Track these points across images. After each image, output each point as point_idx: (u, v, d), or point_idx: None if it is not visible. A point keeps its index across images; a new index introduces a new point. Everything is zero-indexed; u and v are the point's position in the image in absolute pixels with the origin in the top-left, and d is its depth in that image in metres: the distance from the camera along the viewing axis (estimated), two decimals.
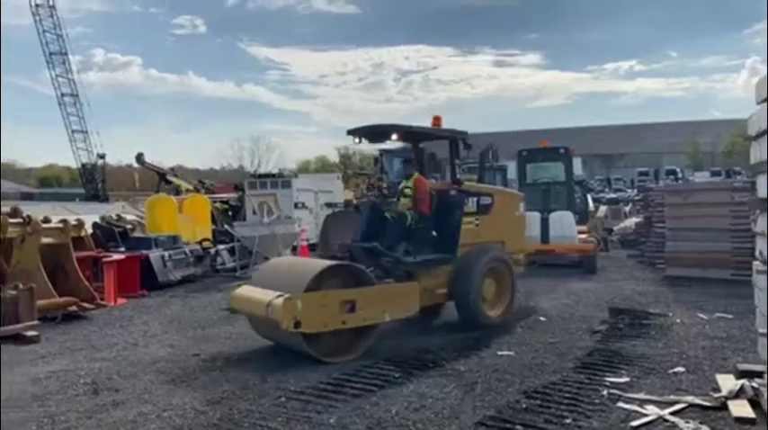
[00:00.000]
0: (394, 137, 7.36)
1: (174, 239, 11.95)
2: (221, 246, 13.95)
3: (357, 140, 7.28)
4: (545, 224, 11.85)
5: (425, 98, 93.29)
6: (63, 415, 4.49)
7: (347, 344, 5.91)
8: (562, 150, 12.80)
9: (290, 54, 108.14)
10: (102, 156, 39.44)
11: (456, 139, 7.37)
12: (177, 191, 19.21)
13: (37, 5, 35.67)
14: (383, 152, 18.96)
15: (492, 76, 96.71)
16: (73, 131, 38.03)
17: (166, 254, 11.05)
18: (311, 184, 18.27)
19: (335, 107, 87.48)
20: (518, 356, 5.90)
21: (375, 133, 7.35)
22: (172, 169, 23.95)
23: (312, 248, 15.23)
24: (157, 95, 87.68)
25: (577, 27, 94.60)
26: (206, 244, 13.47)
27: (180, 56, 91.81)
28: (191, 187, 20.31)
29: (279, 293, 5.49)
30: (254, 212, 14.86)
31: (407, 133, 7.40)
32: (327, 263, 6.04)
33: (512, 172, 17.80)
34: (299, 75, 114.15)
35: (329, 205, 18.27)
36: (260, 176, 18.33)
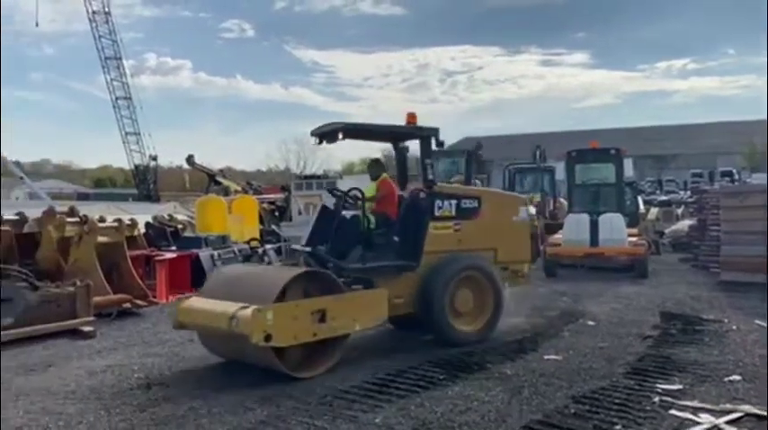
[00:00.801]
0: (340, 136, 6.39)
1: (224, 239, 12.19)
2: (268, 246, 14.16)
3: (317, 141, 6.55)
4: (594, 227, 11.61)
5: (470, 99, 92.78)
6: (118, 408, 4.65)
7: (318, 356, 5.45)
8: (613, 151, 12.51)
9: (335, 56, 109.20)
10: (154, 158, 40.58)
11: (427, 137, 6.63)
12: (226, 192, 19.63)
13: (94, 12, 37.00)
14: None
15: (539, 76, 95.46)
16: (126, 134, 39.25)
17: (216, 253, 11.27)
18: (355, 185, 18.37)
19: (379, 109, 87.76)
20: (565, 361, 5.80)
21: (336, 132, 6.41)
22: (221, 170, 24.50)
23: None
24: (206, 98, 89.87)
25: (627, 24, 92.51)
26: (254, 243, 13.69)
27: (228, 59, 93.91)
28: (239, 188, 20.74)
29: (243, 304, 4.99)
30: (300, 213, 15.10)
31: (369, 132, 6.98)
32: (297, 270, 5.57)
33: (560, 173, 17.51)
34: (343, 77, 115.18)
35: None
36: (306, 178, 18.59)
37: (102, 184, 57.87)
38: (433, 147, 6.71)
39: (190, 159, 21.79)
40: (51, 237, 8.83)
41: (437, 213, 6.42)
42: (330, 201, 7.01)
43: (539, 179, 18.12)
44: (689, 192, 23.57)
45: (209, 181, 21.61)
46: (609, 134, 41.59)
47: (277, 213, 18.09)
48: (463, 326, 6.36)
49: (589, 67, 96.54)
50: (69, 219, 8.94)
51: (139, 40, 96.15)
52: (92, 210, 12.79)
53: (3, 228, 9.11)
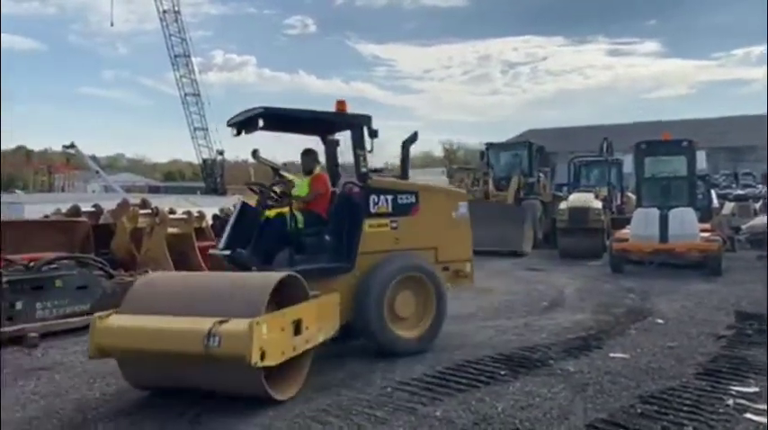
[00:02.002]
0: (260, 124, 5.64)
1: None
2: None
3: (235, 132, 5.96)
4: (664, 221, 11.18)
5: (533, 90, 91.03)
6: None
7: (288, 373, 4.64)
8: (685, 143, 11.99)
9: (396, 50, 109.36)
10: (221, 152, 41.82)
11: (358, 126, 5.93)
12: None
13: (164, 11, 38.40)
14: (489, 146, 18.69)
15: (606, 66, 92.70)
16: (195, 129, 40.61)
17: None
18: (416, 180, 18.36)
19: (439, 101, 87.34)
20: (633, 359, 5.62)
21: (255, 120, 5.71)
22: (284, 164, 24.99)
23: None
24: (270, 93, 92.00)
25: (702, 10, 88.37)
26: None
27: (291, 55, 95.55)
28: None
29: (220, 318, 4.06)
30: None
31: (295, 120, 6.04)
32: (275, 274, 4.67)
33: (627, 166, 16.95)
34: (404, 70, 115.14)
35: None
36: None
37: (172, 178, 60.09)
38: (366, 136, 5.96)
39: (255, 153, 22.11)
40: (125, 228, 9.25)
41: (372, 210, 5.83)
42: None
43: (605, 172, 17.59)
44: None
45: (274, 174, 22.06)
46: (680, 125, 39.90)
47: None
48: (404, 331, 5.80)
49: (661, 56, 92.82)
50: (142, 211, 9.34)
51: (207, 38, 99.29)
52: (162, 202, 13.33)
53: (80, 219, 9.61)
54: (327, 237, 5.63)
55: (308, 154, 6.38)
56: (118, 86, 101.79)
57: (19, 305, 6.43)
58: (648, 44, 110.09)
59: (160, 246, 8.90)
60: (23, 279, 6.62)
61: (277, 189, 6.08)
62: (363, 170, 5.85)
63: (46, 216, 12.86)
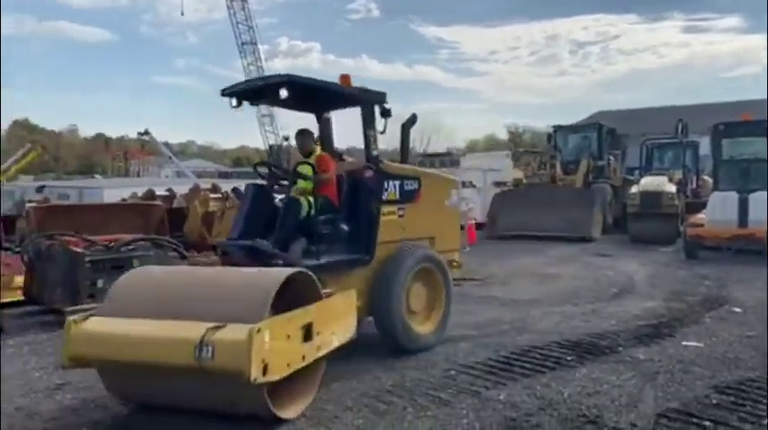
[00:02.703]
0: (283, 94, 5.01)
1: None
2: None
3: (235, 104, 5.35)
4: (743, 205, 10.63)
5: (604, 70, 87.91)
6: None
7: (297, 386, 3.99)
8: (767, 123, 11.32)
9: (460, 32, 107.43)
10: (286, 138, 42.51)
11: (369, 103, 5.44)
12: None
13: (232, 0, 39.19)
14: (557, 128, 18.23)
15: (682, 44, 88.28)
16: (262, 116, 41.44)
17: None
18: (479, 163, 18.17)
19: (505, 83, 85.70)
20: (707, 348, 5.40)
21: (255, 91, 5.44)
22: (347, 150, 25.23)
23: (479, 227, 15.24)
24: (334, 79, 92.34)
25: None
26: None
27: (355, 40, 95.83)
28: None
29: (215, 324, 3.37)
30: None
31: (296, 92, 5.15)
32: (282, 271, 3.93)
33: (704, 148, 16.17)
34: (468, 52, 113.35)
35: (498, 184, 18.07)
36: (429, 155, 18.60)
37: (240, 163, 61.66)
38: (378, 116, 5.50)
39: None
40: (197, 212, 9.63)
41: (383, 196, 5.42)
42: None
43: (680, 154, 16.86)
44: None
45: (337, 160, 22.33)
46: (762, 105, 37.63)
47: None
48: (418, 326, 5.45)
49: (741, 32, 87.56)
50: (212, 196, 9.69)
51: (273, 25, 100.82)
52: (231, 187, 13.73)
53: (155, 203, 10.05)
54: (343, 226, 5.21)
55: (305, 134, 5.81)
56: (188, 75, 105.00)
57: (100, 283, 6.78)
58: (728, 19, 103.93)
59: (230, 228, 9.18)
60: (104, 259, 6.97)
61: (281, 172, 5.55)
62: (375, 152, 5.40)
63: (123, 200, 13.55)
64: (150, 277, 4.21)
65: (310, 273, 4.14)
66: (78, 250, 6.95)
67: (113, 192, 21.46)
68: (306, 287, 4.07)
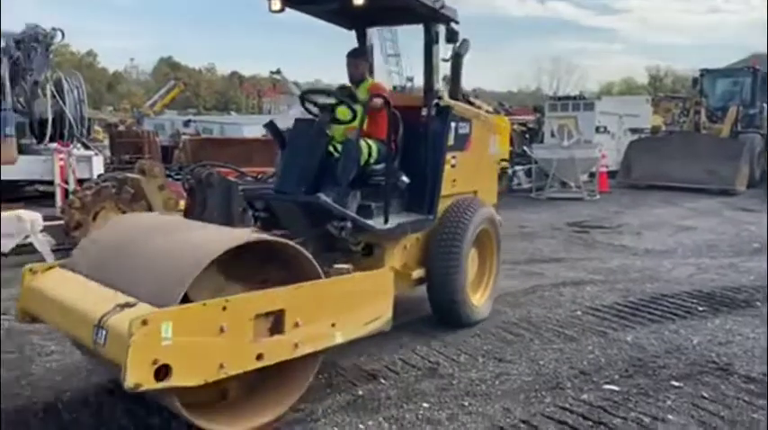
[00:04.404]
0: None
1: None
2: (518, 167, 14.40)
3: (278, 7, 4.09)
4: None
5: (762, 7, 78.33)
6: None
7: (262, 391, 3.12)
8: None
9: None
10: (410, 79, 42.57)
11: (435, 20, 4.43)
12: None
13: None
14: (705, 72, 16.87)
15: None
16: (388, 55, 41.63)
17: None
18: (615, 108, 17.31)
19: (648, 22, 79.16)
20: None
21: None
22: (473, 90, 24.89)
23: (611, 175, 14.72)
24: (464, 16, 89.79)
25: None
26: (504, 164, 13.98)
27: None
28: (490, 109, 20.93)
29: (125, 301, 2.69)
30: (553, 135, 14.82)
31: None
32: (241, 233, 3.06)
33: None
34: None
35: (634, 131, 17.22)
36: (560, 99, 17.97)
37: None
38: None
39: (444, 79, 22.49)
40: None
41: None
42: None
43: None
44: None
45: (463, 101, 22.17)
46: None
47: (527, 135, 18.01)
48: (474, 297, 4.69)
49: None
50: None
51: None
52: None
53: None
54: (404, 178, 4.29)
55: (358, 56, 4.61)
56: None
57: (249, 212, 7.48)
58: None
59: None
60: (254, 188, 7.66)
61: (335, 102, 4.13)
62: (436, 86, 4.55)
63: (264, 135, 14.49)
64: (125, 227, 3.45)
65: (294, 244, 3.13)
66: (232, 179, 7.69)
67: (252, 128, 22.90)
68: (292, 262, 3.12)
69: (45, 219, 6.88)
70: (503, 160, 14.39)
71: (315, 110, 4.21)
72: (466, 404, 3.31)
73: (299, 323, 2.95)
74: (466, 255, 4.45)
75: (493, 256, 4.95)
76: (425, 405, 3.29)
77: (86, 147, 11.81)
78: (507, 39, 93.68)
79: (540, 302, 5.23)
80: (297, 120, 4.36)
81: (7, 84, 11.00)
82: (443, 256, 4.36)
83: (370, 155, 4.14)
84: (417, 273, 4.37)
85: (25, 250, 6.46)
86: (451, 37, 4.57)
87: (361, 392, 3.42)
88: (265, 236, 3.16)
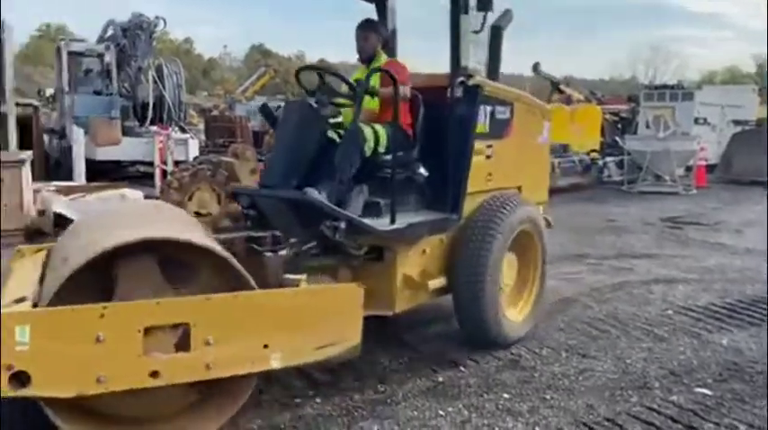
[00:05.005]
0: None
1: (564, 148, 12.37)
2: (609, 158, 13.89)
3: None
4: None
5: None
6: None
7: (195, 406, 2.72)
8: None
9: None
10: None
11: None
12: (568, 101, 19.42)
13: None
14: None
15: None
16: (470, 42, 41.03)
17: (556, 161, 11.57)
18: (717, 98, 16.30)
19: (758, 6, 73.54)
20: None
21: None
22: (564, 78, 24.16)
23: (710, 170, 13.92)
24: (556, 3, 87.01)
25: None
26: (594, 155, 13.56)
27: None
28: (581, 97, 20.27)
29: (23, 295, 2.53)
30: (648, 126, 14.20)
31: None
32: (143, 231, 2.53)
33: None
34: None
35: (737, 122, 16.16)
36: (657, 88, 17.11)
37: None
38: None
39: (536, 67, 21.92)
40: None
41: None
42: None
43: None
44: None
45: (552, 89, 21.55)
46: None
47: (620, 125, 17.32)
48: (508, 311, 3.99)
49: None
50: None
51: None
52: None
53: None
54: (421, 170, 3.75)
55: (369, 27, 3.93)
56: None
57: None
58: None
59: None
60: None
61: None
62: (466, 62, 3.84)
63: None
64: (100, 212, 3.28)
65: (212, 246, 2.62)
66: None
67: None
68: (221, 270, 2.66)
69: (145, 197, 7.33)
70: (592, 151, 14.13)
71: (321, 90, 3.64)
72: (547, 397, 3.27)
73: (210, 341, 2.49)
74: (497, 262, 3.73)
75: (537, 263, 4.20)
76: (506, 395, 3.28)
77: (183, 131, 12.44)
78: (602, 25, 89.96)
79: (628, 299, 5.06)
80: (288, 102, 3.88)
81: (114, 70, 11.75)
82: (469, 263, 3.67)
83: (377, 143, 3.54)
84: (437, 282, 3.69)
85: None
86: (485, 4, 3.90)
87: (441, 379, 3.44)
88: (162, 235, 2.55)
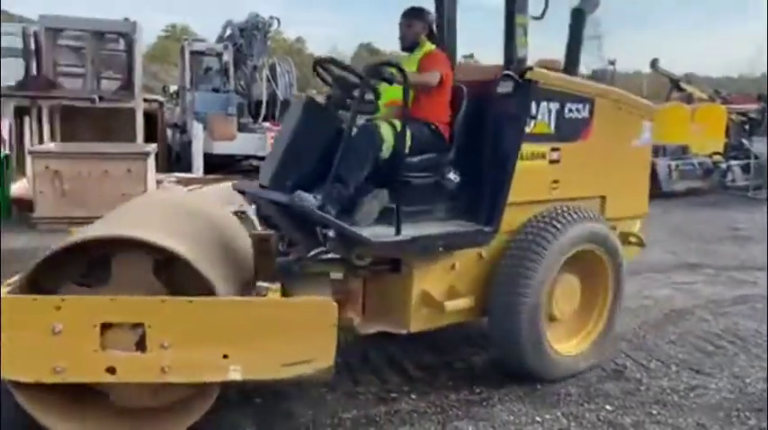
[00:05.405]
0: None
1: (683, 149, 11.64)
2: (733, 162, 12.90)
3: None
4: None
5: None
6: None
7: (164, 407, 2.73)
8: None
9: None
10: (612, 62, 39.99)
11: None
12: (689, 99, 18.26)
13: None
14: None
15: None
16: (590, 37, 39.55)
17: (673, 163, 10.92)
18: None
19: None
20: None
21: None
22: (685, 76, 22.71)
23: None
24: None
25: None
26: (716, 158, 12.65)
27: None
28: (704, 96, 18.97)
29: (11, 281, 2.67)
30: None
31: None
32: (118, 230, 2.62)
33: None
34: None
35: None
36: None
37: None
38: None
39: (654, 63, 20.76)
40: None
41: (527, 128, 3.35)
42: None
43: None
44: None
45: (671, 87, 20.33)
46: None
47: (748, 126, 16.05)
48: (561, 343, 3.47)
49: None
50: None
51: None
52: None
53: None
54: (452, 175, 3.30)
55: (413, 15, 3.57)
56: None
57: None
58: None
59: None
60: None
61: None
62: (521, 53, 3.37)
63: None
64: (128, 204, 3.40)
65: (179, 250, 2.50)
66: None
67: None
68: (176, 273, 2.63)
69: None
70: (715, 153, 13.23)
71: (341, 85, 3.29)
72: (654, 412, 3.10)
73: (166, 344, 2.44)
74: (542, 284, 3.23)
75: (606, 291, 3.61)
76: (608, 407, 3.14)
77: None
78: (727, 19, 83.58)
79: (750, 314, 4.69)
80: (298, 98, 3.35)
81: (231, 68, 12.38)
82: (505, 283, 3.23)
83: (398, 143, 3.12)
84: (461, 302, 3.22)
85: None
86: None
87: (539, 385, 3.35)
88: (114, 234, 2.55)
